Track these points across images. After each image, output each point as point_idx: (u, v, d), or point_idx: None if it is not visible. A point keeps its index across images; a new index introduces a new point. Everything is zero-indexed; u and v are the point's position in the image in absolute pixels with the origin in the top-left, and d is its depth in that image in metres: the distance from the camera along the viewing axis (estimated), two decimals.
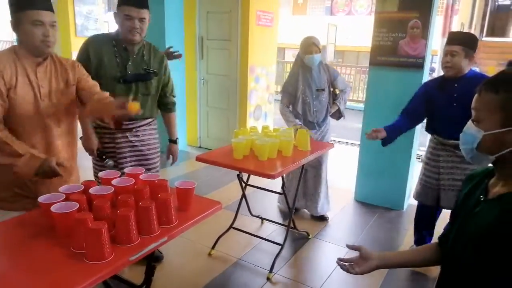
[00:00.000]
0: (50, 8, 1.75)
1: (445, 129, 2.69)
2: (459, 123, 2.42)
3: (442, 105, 2.63)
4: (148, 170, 2.49)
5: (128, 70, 2.32)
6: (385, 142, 2.77)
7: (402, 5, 3.45)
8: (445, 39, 2.68)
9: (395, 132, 2.76)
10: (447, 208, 2.71)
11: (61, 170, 1.74)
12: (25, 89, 1.73)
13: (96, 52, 2.26)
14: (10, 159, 1.67)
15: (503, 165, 1.04)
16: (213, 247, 2.96)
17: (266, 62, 5.41)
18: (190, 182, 1.72)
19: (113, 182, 1.68)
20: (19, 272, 1.24)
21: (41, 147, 1.82)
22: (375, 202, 3.91)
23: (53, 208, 1.42)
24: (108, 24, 12.70)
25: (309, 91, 3.28)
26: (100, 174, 1.78)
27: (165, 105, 2.61)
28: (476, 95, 1.04)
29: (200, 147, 5.75)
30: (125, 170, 1.85)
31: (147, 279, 1.70)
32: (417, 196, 2.89)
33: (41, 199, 1.51)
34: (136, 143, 2.46)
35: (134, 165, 2.40)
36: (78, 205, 1.45)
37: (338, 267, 1.25)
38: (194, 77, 5.54)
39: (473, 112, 1.05)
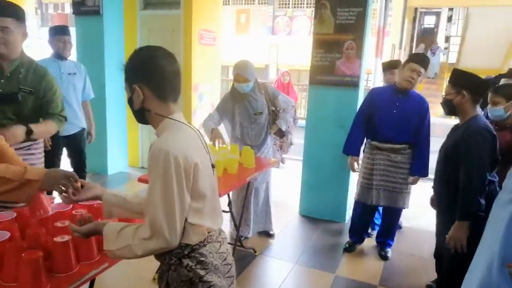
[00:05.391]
0: None
1: (382, 134, 3.04)
2: (397, 129, 2.67)
3: (384, 111, 3.01)
4: None
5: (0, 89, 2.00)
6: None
7: (338, 28, 3.67)
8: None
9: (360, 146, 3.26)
10: (380, 205, 3.19)
11: None
12: None
13: None
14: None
15: None
16: (157, 271, 2.86)
17: (210, 79, 5.44)
18: None
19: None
20: None
21: None
22: (318, 216, 4.03)
23: None
24: (41, 40, 12.01)
25: (246, 115, 3.21)
26: None
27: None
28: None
29: (142, 167, 5.59)
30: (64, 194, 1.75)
31: None
32: (358, 197, 3.21)
33: None
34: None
35: None
36: (9, 234, 1.36)
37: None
38: None
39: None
